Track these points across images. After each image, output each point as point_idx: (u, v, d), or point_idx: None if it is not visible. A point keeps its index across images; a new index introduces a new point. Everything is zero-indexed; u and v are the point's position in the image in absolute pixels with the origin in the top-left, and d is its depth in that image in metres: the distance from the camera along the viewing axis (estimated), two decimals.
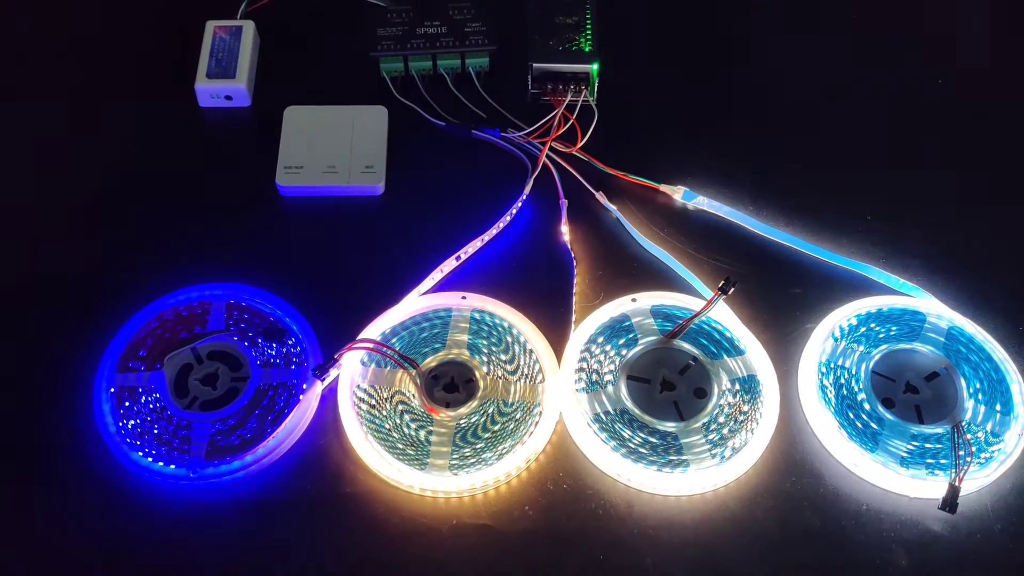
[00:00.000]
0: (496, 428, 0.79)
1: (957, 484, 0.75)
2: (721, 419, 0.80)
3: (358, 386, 0.81)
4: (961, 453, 0.77)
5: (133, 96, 0.99)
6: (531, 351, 0.82)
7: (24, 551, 0.75)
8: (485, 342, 0.83)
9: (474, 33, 0.97)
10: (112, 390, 0.79)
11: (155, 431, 0.78)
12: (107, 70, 1.00)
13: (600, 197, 0.91)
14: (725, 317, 0.84)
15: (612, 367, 0.82)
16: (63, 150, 0.95)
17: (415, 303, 0.85)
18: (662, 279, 0.87)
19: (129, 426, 0.78)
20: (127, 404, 0.79)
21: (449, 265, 0.87)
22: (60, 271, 0.88)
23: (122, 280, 0.86)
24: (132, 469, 0.77)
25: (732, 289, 0.80)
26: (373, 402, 0.80)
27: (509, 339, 0.83)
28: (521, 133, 0.94)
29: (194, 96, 0.96)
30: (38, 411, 0.80)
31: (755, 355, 0.82)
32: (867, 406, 0.80)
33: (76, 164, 0.94)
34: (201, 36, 0.98)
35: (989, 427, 0.79)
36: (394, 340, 0.83)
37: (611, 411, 0.80)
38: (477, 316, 0.84)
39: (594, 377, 0.82)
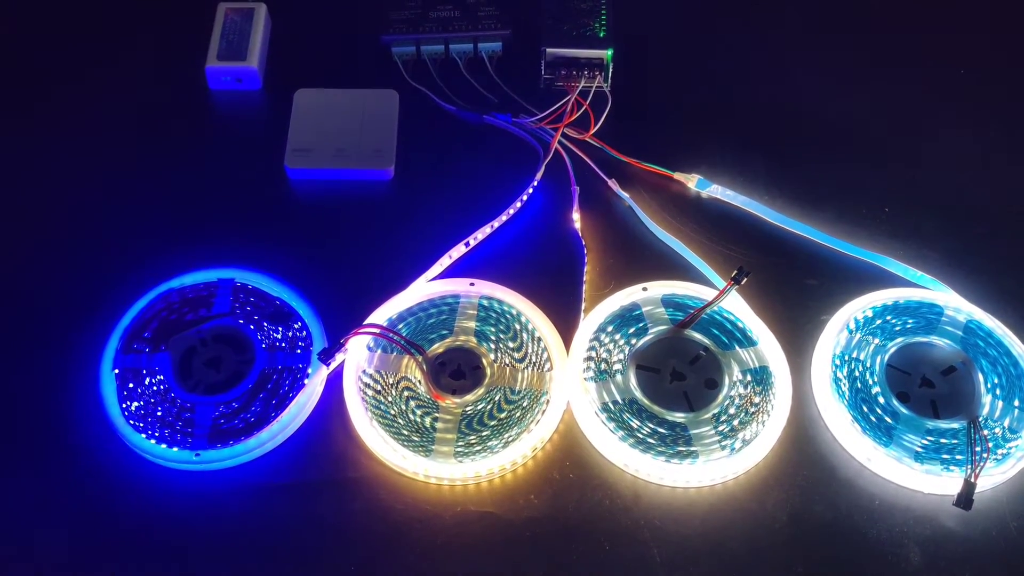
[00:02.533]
0: (502, 416, 0.78)
1: (973, 480, 0.74)
2: (732, 410, 0.78)
3: (364, 371, 0.80)
4: (977, 449, 0.75)
5: (143, 76, 0.98)
6: (539, 339, 0.81)
7: (27, 533, 0.75)
8: (493, 329, 0.82)
9: (487, 17, 0.96)
10: (116, 371, 0.79)
11: (158, 413, 0.77)
12: (118, 50, 1.00)
13: (613, 184, 0.90)
14: (738, 307, 0.83)
15: (621, 356, 0.81)
16: (73, 131, 0.95)
17: (423, 289, 0.84)
18: (674, 268, 0.86)
19: (133, 408, 0.78)
20: (131, 386, 0.78)
21: (458, 251, 0.86)
22: (67, 252, 0.87)
23: (129, 261, 0.85)
24: (135, 451, 0.77)
25: (745, 279, 0.79)
26: (379, 388, 0.79)
27: (517, 327, 0.82)
28: (533, 119, 0.92)
29: (204, 78, 0.96)
30: (42, 392, 0.80)
31: (767, 346, 0.81)
32: (882, 400, 0.79)
33: (85, 145, 0.94)
34: (213, 17, 0.98)
35: (1007, 423, 0.78)
36: (401, 326, 0.82)
37: (619, 401, 0.79)
38: (485, 303, 0.83)
39: (603, 366, 0.80)
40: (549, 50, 0.93)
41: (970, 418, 0.77)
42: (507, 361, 0.80)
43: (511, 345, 0.81)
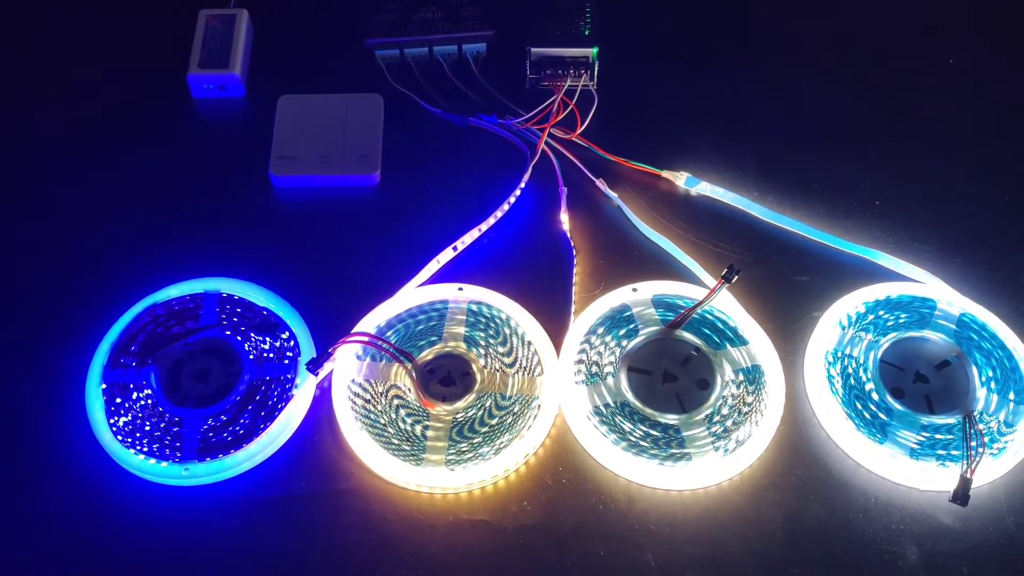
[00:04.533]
0: (494, 422, 0.77)
1: (969, 476, 0.73)
2: (724, 411, 0.78)
3: (353, 380, 0.79)
4: (973, 444, 0.75)
5: (125, 86, 0.97)
6: (529, 343, 0.80)
7: (15, 550, 0.74)
8: (482, 334, 0.81)
9: (471, 18, 0.95)
10: (103, 387, 0.78)
11: (146, 428, 0.77)
12: (99, 59, 0.99)
13: (600, 184, 0.89)
14: (728, 306, 0.82)
15: (612, 359, 0.80)
16: (55, 142, 0.94)
17: (411, 295, 0.83)
18: (664, 268, 0.85)
19: (120, 423, 0.77)
20: (118, 401, 0.78)
21: (446, 256, 0.85)
22: (50, 266, 0.86)
23: (113, 274, 0.85)
24: (123, 468, 0.76)
25: (736, 277, 0.78)
26: (368, 397, 0.79)
27: (507, 331, 0.81)
28: (519, 120, 0.92)
29: (187, 86, 0.95)
30: (28, 408, 0.79)
31: (759, 345, 0.80)
32: (876, 396, 0.78)
33: (67, 156, 0.93)
34: (194, 25, 0.97)
35: (1002, 416, 0.77)
36: (389, 333, 0.81)
37: (611, 404, 0.78)
38: (474, 308, 0.82)
39: (594, 369, 0.80)
40: (534, 49, 0.93)
41: (965, 412, 0.77)
42: (497, 366, 0.79)
43: (501, 350, 0.80)
